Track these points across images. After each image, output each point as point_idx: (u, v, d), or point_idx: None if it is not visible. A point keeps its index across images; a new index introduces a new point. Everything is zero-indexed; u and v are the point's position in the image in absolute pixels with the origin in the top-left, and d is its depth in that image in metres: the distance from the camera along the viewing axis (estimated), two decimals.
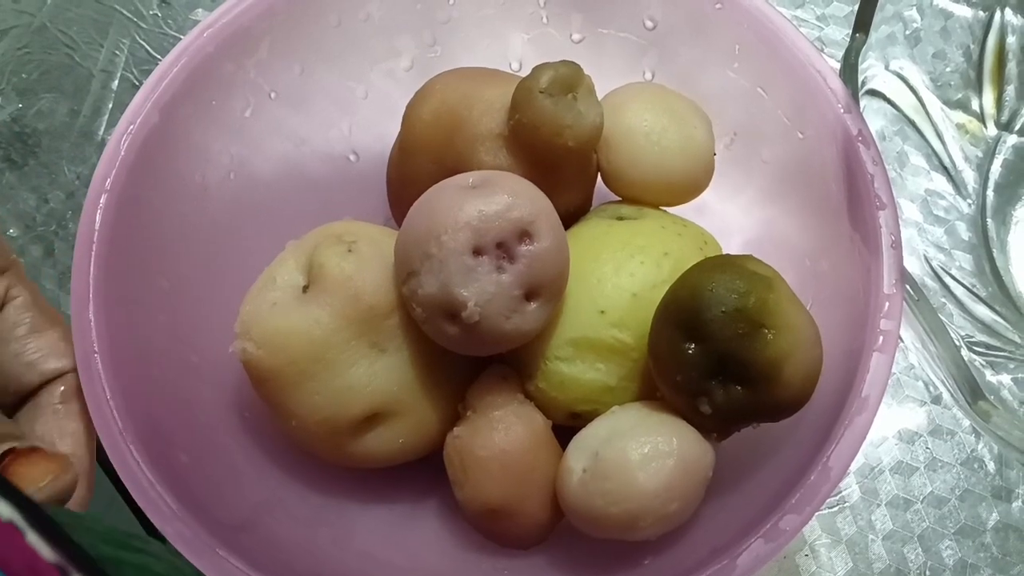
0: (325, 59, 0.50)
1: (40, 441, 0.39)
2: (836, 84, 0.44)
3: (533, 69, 0.42)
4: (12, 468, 0.36)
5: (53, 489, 0.36)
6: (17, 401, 0.40)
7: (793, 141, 0.46)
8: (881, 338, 0.39)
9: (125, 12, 0.69)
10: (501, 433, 0.42)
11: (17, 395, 0.40)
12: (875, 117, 0.57)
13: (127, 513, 0.45)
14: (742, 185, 0.50)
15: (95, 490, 0.40)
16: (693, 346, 0.38)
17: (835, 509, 0.54)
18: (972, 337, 0.53)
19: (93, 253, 0.42)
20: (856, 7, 0.47)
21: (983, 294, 0.55)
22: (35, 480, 0.36)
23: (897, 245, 0.41)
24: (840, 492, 0.55)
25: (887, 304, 0.40)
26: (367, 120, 0.53)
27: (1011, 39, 0.57)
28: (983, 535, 0.54)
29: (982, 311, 0.55)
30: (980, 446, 0.56)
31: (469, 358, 0.44)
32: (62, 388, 0.40)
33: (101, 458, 0.40)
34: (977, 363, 0.51)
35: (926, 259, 0.56)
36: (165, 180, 0.46)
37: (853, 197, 0.43)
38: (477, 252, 0.38)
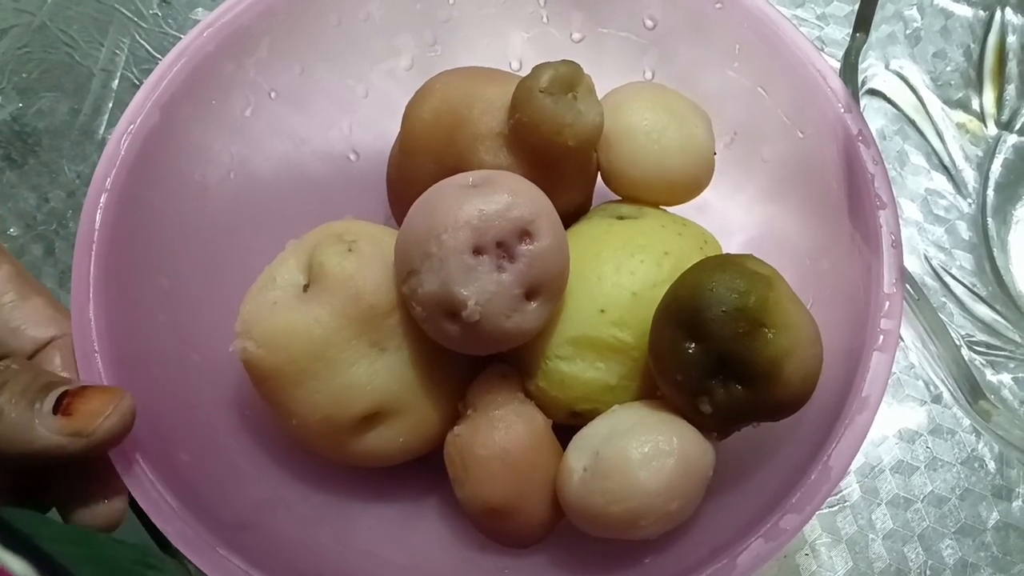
0: (325, 58, 0.50)
1: None
2: (836, 83, 0.44)
3: (533, 68, 0.42)
4: (72, 407, 0.36)
5: (118, 416, 0.36)
6: None
7: (793, 140, 0.46)
8: (881, 337, 0.39)
9: (125, 11, 0.69)
10: (502, 432, 0.42)
11: None
12: (875, 116, 0.57)
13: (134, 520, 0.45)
14: (742, 184, 0.50)
15: None
16: (693, 345, 0.38)
17: (835, 508, 0.54)
18: (972, 336, 0.53)
19: (93, 253, 0.42)
20: (856, 6, 0.47)
21: (983, 293, 0.55)
22: (99, 412, 0.36)
23: (897, 244, 0.41)
24: (840, 491, 0.55)
25: (887, 303, 0.40)
26: (367, 119, 0.53)
27: (1011, 38, 0.57)
28: (983, 534, 0.54)
29: (982, 310, 0.55)
30: (980, 445, 0.56)
31: (469, 357, 0.44)
32: (59, 357, 0.40)
33: None
34: (977, 362, 0.51)
35: (926, 258, 0.56)
36: (165, 179, 0.46)
37: (853, 196, 0.43)
38: (477, 251, 0.38)
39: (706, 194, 0.48)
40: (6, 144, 0.65)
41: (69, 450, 0.36)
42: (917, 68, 0.57)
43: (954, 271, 0.56)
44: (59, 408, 0.36)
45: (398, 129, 0.47)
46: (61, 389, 0.36)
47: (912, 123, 0.58)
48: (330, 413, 0.42)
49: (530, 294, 0.40)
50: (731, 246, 0.47)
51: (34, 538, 0.31)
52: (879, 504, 0.54)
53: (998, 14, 0.57)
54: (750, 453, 0.42)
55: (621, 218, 0.45)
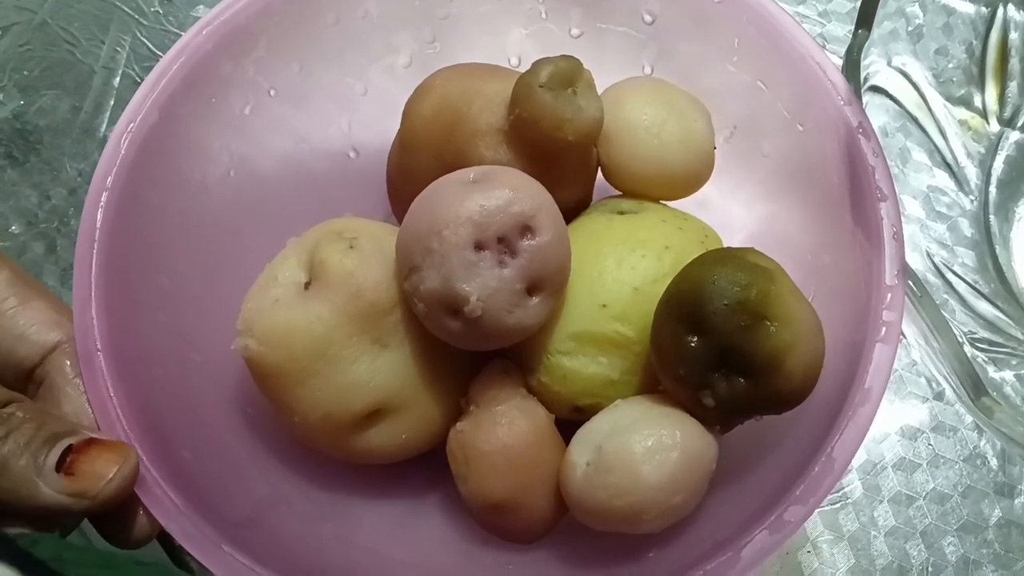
0: (324, 56, 0.50)
1: (75, 420, 0.39)
2: (836, 77, 0.44)
3: (533, 64, 0.42)
4: (75, 466, 0.36)
5: (120, 479, 0.37)
6: (19, 376, 0.40)
7: (793, 134, 0.46)
8: (883, 329, 0.39)
9: (126, 8, 0.69)
10: (504, 428, 0.42)
11: (16, 369, 0.40)
12: (877, 113, 0.57)
13: None
14: (743, 179, 0.50)
15: None
16: (695, 339, 0.38)
17: (837, 505, 0.54)
18: (975, 333, 0.53)
19: (94, 252, 0.42)
20: (858, 3, 0.47)
21: (986, 290, 0.55)
22: (102, 476, 0.36)
23: (899, 236, 0.41)
24: (842, 488, 0.55)
25: (889, 295, 0.40)
26: (367, 117, 0.53)
27: (1014, 35, 0.57)
28: (985, 531, 0.54)
29: (985, 307, 0.55)
30: (983, 442, 0.55)
31: (471, 353, 0.44)
32: (68, 363, 0.40)
33: None
34: (980, 359, 0.51)
35: (928, 255, 0.56)
36: (165, 178, 0.46)
37: (854, 189, 0.42)
38: (479, 247, 0.38)
39: (707, 190, 0.48)
40: (7, 142, 0.65)
41: (71, 509, 0.36)
42: (919, 65, 0.57)
43: (956, 268, 0.56)
44: (63, 465, 0.36)
45: (397, 126, 0.47)
46: (66, 443, 0.36)
47: (914, 120, 0.58)
48: (332, 410, 0.42)
49: (532, 289, 0.40)
50: (732, 241, 0.47)
51: (57, 565, 0.31)
52: (881, 501, 0.54)
53: (1000, 11, 0.57)
54: (753, 446, 0.42)
55: (622, 213, 0.45)
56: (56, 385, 0.40)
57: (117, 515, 0.39)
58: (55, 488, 0.35)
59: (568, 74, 0.42)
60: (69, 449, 0.36)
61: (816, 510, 0.39)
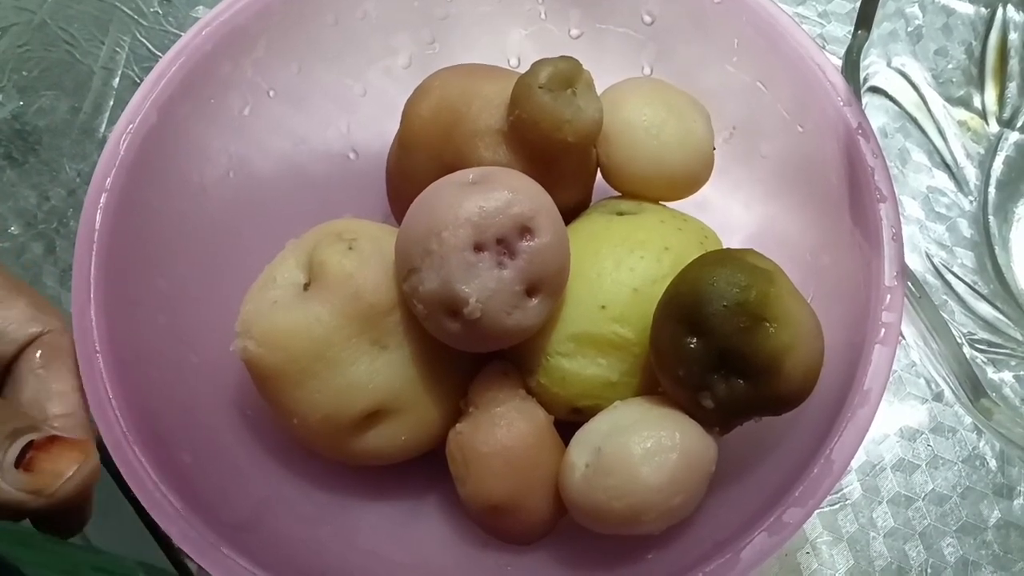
0: (323, 57, 0.50)
1: (30, 409, 0.39)
2: (835, 77, 0.44)
3: (532, 65, 0.42)
4: (35, 463, 0.36)
5: (80, 478, 0.36)
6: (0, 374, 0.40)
7: (793, 135, 0.46)
8: (883, 331, 0.39)
9: (126, 9, 0.69)
10: (503, 429, 0.41)
11: None
12: (877, 114, 0.57)
13: (133, 517, 0.45)
14: (742, 180, 0.50)
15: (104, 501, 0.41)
16: (694, 340, 0.38)
17: (836, 507, 0.54)
18: (974, 334, 0.53)
19: (93, 254, 0.42)
20: (858, 4, 0.47)
21: (985, 291, 0.55)
22: (61, 473, 0.36)
23: (898, 237, 0.41)
24: (841, 489, 0.55)
25: (888, 297, 0.40)
26: (366, 118, 0.53)
27: (1013, 35, 0.57)
28: (984, 532, 0.54)
29: (984, 308, 0.55)
30: (982, 443, 0.55)
31: (470, 354, 0.44)
32: (39, 352, 0.40)
33: (105, 461, 0.39)
34: (979, 360, 0.51)
35: (928, 256, 0.56)
36: (164, 179, 0.46)
37: (853, 190, 0.42)
38: (478, 248, 0.38)
39: (706, 190, 0.48)
40: (7, 142, 0.65)
41: (28, 507, 0.35)
42: (919, 65, 0.57)
43: (955, 269, 0.56)
44: (22, 460, 0.36)
45: (397, 127, 0.47)
46: (27, 438, 0.36)
47: (914, 121, 0.58)
48: (331, 412, 0.42)
49: (531, 291, 0.40)
50: (731, 242, 0.47)
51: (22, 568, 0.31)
52: (880, 502, 0.54)
53: (999, 11, 0.57)
54: (752, 448, 0.42)
55: (621, 214, 0.45)
56: (21, 375, 0.40)
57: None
58: (13, 484, 0.35)
59: (567, 75, 0.42)
60: (31, 445, 0.36)
61: (815, 511, 0.39)
